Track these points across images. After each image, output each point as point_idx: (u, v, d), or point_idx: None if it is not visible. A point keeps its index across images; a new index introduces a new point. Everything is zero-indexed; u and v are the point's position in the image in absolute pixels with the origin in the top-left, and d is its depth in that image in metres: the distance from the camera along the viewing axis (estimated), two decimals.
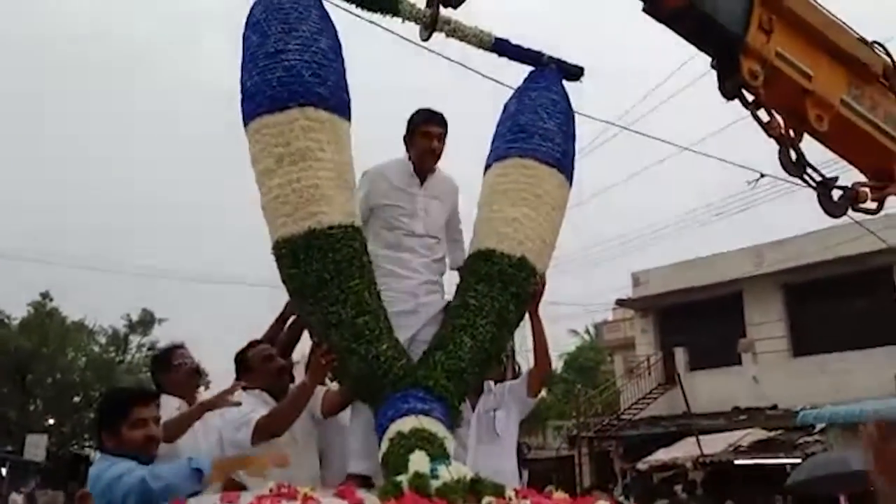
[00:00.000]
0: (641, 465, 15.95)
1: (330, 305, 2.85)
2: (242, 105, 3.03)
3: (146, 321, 32.77)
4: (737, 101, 4.15)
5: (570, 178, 3.51)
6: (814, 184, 4.37)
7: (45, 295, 32.22)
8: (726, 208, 18.41)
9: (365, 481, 3.04)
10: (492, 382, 4.08)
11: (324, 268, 2.83)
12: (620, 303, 21.40)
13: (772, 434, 14.79)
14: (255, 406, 3.34)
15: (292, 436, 3.35)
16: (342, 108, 3.03)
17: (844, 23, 4.38)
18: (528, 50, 3.72)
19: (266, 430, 3.16)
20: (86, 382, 30.24)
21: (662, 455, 15.62)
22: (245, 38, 3.07)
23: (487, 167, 3.51)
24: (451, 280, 3.53)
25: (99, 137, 57.82)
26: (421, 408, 2.78)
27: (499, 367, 4.25)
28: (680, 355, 18.61)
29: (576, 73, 3.80)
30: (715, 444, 14.54)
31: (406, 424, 2.69)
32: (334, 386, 3.50)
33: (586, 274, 50.93)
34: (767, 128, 4.19)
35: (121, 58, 61.04)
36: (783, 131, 4.23)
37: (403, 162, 3.44)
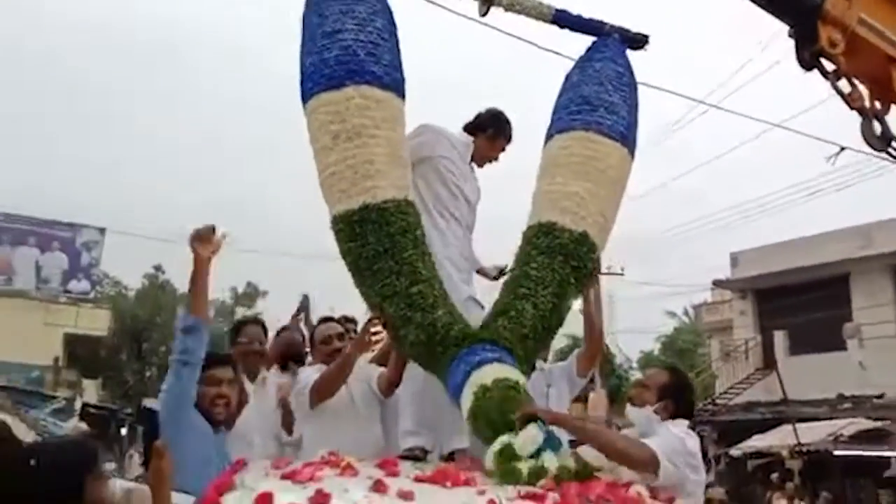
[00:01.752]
0: (735, 452, 15.49)
1: (385, 277, 2.90)
2: (301, 84, 3.11)
3: (251, 294, 34.44)
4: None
5: (633, 152, 3.44)
6: None
7: (157, 268, 34.44)
8: (823, 187, 17.39)
9: (424, 453, 3.17)
10: (542, 361, 4.14)
11: (378, 241, 2.89)
12: (718, 283, 20.74)
13: (878, 424, 14.03)
14: (313, 378, 3.60)
15: (355, 410, 3.55)
16: (396, 86, 3.08)
17: None
18: (590, 20, 3.64)
19: (317, 393, 3.41)
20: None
21: (757, 442, 15.11)
22: (304, 18, 3.16)
23: (549, 138, 3.47)
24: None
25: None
26: (492, 356, 2.76)
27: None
28: (780, 339, 17.91)
29: (640, 41, 3.70)
30: (814, 432, 13.91)
31: (486, 376, 2.66)
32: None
33: (685, 253, 49.29)
34: (848, 99, 3.98)
35: None
36: (866, 102, 4.02)
37: (466, 139, 3.61)
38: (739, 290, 19.75)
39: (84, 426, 17.27)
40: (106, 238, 26.63)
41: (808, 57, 4.00)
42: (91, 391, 24.70)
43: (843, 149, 5.62)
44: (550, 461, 2.37)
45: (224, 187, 54.17)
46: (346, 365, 3.40)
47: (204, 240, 2.84)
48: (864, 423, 14.15)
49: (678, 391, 3.07)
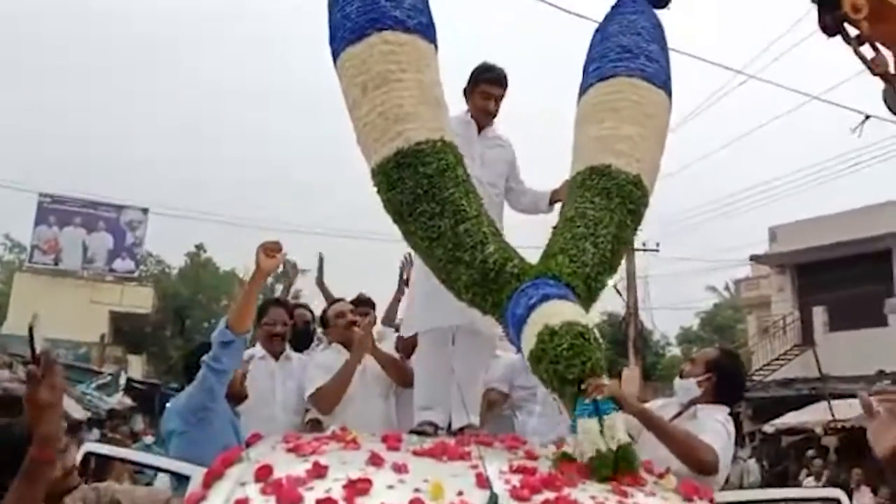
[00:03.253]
0: (768, 428, 15.31)
1: (428, 220, 2.76)
2: (331, 45, 3.07)
3: (289, 271, 34.85)
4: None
5: (671, 101, 3.34)
6: None
7: (199, 247, 35.09)
8: (863, 159, 16.87)
9: (434, 429, 3.18)
10: None
11: (417, 184, 2.75)
12: (756, 259, 20.40)
13: None
14: (332, 359, 3.80)
15: (364, 380, 3.70)
16: (422, 28, 3.00)
17: None
18: None
19: (317, 405, 3.69)
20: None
21: (791, 419, 14.91)
22: None
23: (587, 87, 3.34)
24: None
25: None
26: (556, 292, 2.54)
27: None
28: (818, 315, 17.60)
29: (663, 0, 3.59)
30: (851, 409, 13.65)
31: (553, 314, 2.43)
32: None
33: (725, 226, 48.45)
34: (871, 65, 3.90)
35: None
36: (891, 68, 3.93)
37: (463, 113, 3.52)
38: (778, 265, 19.44)
39: (128, 400, 17.83)
40: (149, 217, 27.28)
41: (831, 22, 3.93)
42: (136, 366, 25.37)
43: (867, 117, 5.49)
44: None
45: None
46: (348, 373, 3.63)
47: (269, 252, 2.89)
48: None
49: (724, 368, 3.08)
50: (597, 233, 2.82)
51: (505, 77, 3.53)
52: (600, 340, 2.41)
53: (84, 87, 51.71)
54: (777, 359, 18.26)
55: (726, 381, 3.06)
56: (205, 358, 2.91)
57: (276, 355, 3.95)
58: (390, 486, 1.76)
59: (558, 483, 1.87)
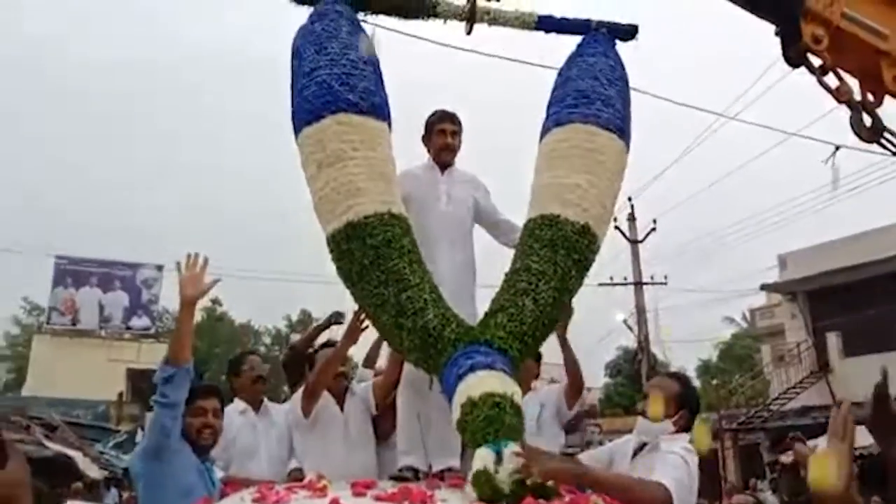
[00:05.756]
0: (785, 458, 15.02)
1: (374, 288, 2.93)
2: (291, 122, 3.28)
3: (305, 321, 35.15)
4: None
5: (628, 145, 3.46)
6: (893, 149, 4.14)
7: (214, 301, 35.39)
8: (862, 182, 16.76)
9: (415, 474, 3.25)
10: (536, 382, 4.31)
11: (364, 254, 2.94)
12: (766, 287, 20.29)
13: None
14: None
15: (346, 430, 3.74)
16: (375, 110, 3.18)
17: None
18: (574, 20, 3.67)
19: (307, 393, 3.66)
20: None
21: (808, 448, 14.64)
22: (290, 65, 3.36)
23: (545, 132, 3.47)
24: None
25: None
26: (483, 361, 2.69)
27: (536, 365, 4.43)
28: (833, 341, 17.44)
29: (630, 32, 3.71)
30: (868, 435, 13.40)
31: (474, 387, 2.58)
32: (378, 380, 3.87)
33: (740, 255, 48.01)
34: (836, 94, 4.01)
35: None
36: (855, 95, 4.04)
37: (426, 161, 3.71)
38: (789, 292, 19.33)
39: None
40: (164, 275, 27.60)
41: (794, 53, 4.06)
42: None
43: (838, 147, 5.61)
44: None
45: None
46: (336, 359, 3.65)
47: (192, 280, 3.03)
48: None
49: (690, 399, 3.09)
50: (538, 288, 2.97)
51: (454, 114, 3.72)
52: (519, 406, 2.57)
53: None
54: (793, 387, 18.04)
55: (693, 412, 3.08)
56: (152, 397, 3.00)
57: (257, 406, 4.04)
58: None
59: None
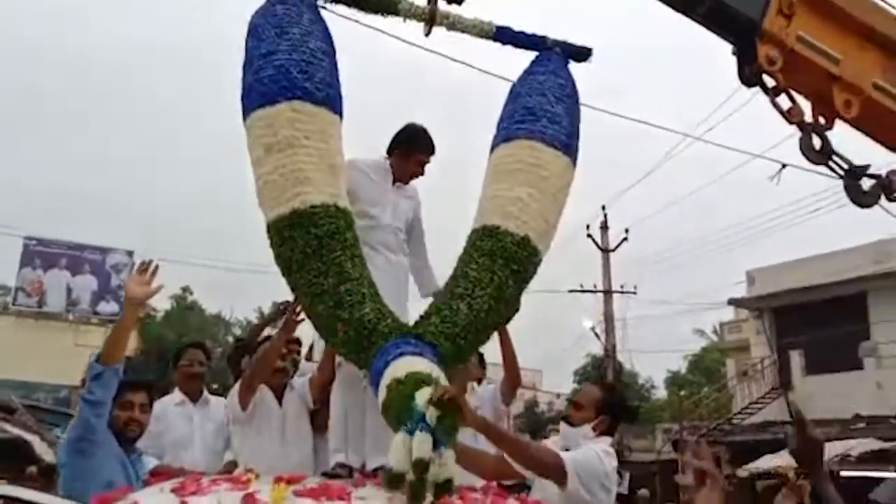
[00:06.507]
0: (741, 472, 15.24)
1: (313, 277, 2.94)
2: (241, 102, 3.24)
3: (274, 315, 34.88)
4: None
5: (575, 161, 3.52)
6: (841, 172, 4.21)
7: (185, 289, 35.07)
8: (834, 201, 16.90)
9: (349, 471, 3.24)
10: (475, 384, 4.32)
11: (307, 243, 2.94)
12: (734, 302, 20.55)
13: (886, 445, 13.69)
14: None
15: (283, 425, 3.72)
16: (330, 102, 3.18)
17: (881, 2, 4.19)
18: (532, 35, 3.70)
19: (244, 386, 3.65)
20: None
21: (764, 463, 14.81)
22: (245, 42, 3.32)
23: (494, 147, 3.54)
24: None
25: None
26: (412, 350, 2.76)
27: (481, 369, 4.45)
28: (796, 358, 17.66)
29: (583, 54, 3.76)
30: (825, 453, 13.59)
31: (400, 369, 2.61)
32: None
33: (713, 268, 48.50)
34: (788, 115, 4.06)
35: None
36: (807, 117, 4.10)
37: (381, 162, 3.68)
38: (755, 308, 19.58)
39: None
40: (134, 260, 27.29)
41: (749, 74, 4.11)
42: None
43: (784, 166, 5.70)
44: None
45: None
46: (273, 350, 3.62)
47: (139, 281, 3.02)
48: (873, 444, 13.81)
49: (612, 405, 3.21)
50: (473, 293, 3.03)
51: (435, 147, 3.73)
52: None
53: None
54: (755, 402, 18.27)
55: (615, 417, 3.21)
56: (80, 392, 3.01)
57: (195, 398, 4.04)
58: None
59: None
